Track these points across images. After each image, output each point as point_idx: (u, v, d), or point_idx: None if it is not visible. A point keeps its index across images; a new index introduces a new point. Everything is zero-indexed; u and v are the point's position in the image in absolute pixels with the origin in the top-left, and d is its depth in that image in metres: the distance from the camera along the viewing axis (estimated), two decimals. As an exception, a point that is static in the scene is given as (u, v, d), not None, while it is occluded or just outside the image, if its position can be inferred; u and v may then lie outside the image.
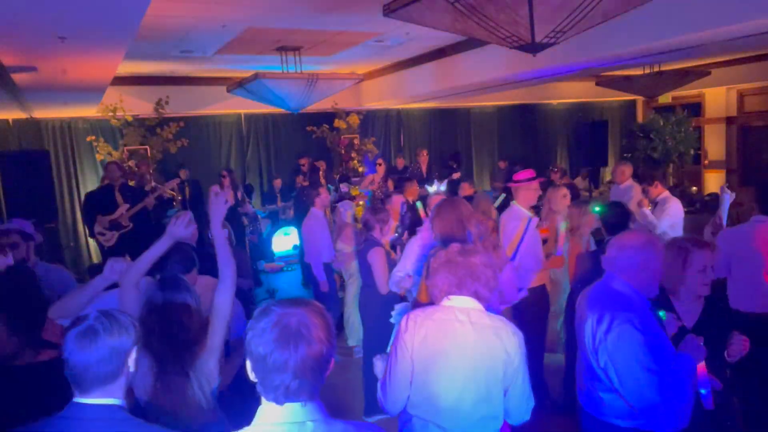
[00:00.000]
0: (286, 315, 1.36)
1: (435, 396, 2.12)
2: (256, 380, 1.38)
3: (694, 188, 10.40)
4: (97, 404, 1.62)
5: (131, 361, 1.68)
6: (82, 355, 1.59)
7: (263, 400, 1.39)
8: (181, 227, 2.47)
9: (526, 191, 4.18)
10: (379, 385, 2.28)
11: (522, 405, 2.18)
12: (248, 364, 1.38)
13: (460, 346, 2.09)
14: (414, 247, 3.77)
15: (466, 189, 6.57)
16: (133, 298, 2.37)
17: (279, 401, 1.36)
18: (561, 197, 5.21)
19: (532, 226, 4.00)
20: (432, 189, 6.20)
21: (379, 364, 2.39)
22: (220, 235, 2.44)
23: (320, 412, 1.40)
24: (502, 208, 5.05)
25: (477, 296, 2.15)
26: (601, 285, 2.38)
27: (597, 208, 4.44)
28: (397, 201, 5.22)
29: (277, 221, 9.67)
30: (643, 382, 2.08)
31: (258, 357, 1.35)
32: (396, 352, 2.18)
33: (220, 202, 2.48)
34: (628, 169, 6.66)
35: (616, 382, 2.16)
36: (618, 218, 3.83)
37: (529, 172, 4.30)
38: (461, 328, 2.10)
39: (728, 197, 4.37)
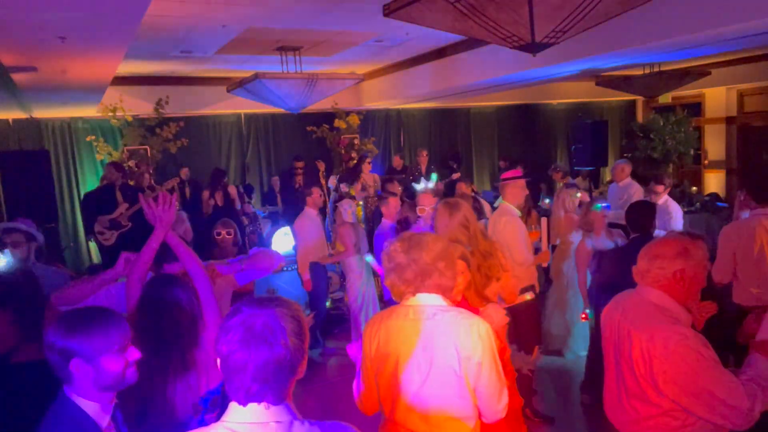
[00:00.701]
0: (252, 315, 1.33)
1: (399, 399, 2.05)
2: (224, 378, 1.38)
3: (694, 188, 10.41)
4: (71, 401, 1.63)
5: (76, 370, 1.62)
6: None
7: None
8: (161, 208, 2.39)
9: (513, 188, 4.25)
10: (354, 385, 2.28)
11: (492, 402, 2.04)
12: (218, 362, 1.37)
13: (412, 348, 2.01)
14: None
15: (463, 188, 6.59)
16: (139, 293, 2.38)
17: (241, 402, 1.35)
18: (575, 199, 5.31)
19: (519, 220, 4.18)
20: (419, 187, 6.20)
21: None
22: (172, 237, 2.45)
23: (287, 413, 1.37)
24: None
25: (439, 290, 2.06)
26: (637, 298, 2.21)
27: (598, 205, 4.49)
28: (393, 203, 5.20)
29: (277, 221, 9.66)
30: (732, 400, 1.94)
31: (222, 356, 1.34)
32: (362, 358, 2.18)
33: (164, 208, 2.42)
34: (627, 167, 6.77)
35: (692, 408, 2.00)
36: (641, 215, 3.85)
37: (515, 171, 4.45)
38: (413, 328, 2.02)
39: None
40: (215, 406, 2.32)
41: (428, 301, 2.06)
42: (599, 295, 4.03)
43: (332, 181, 9.19)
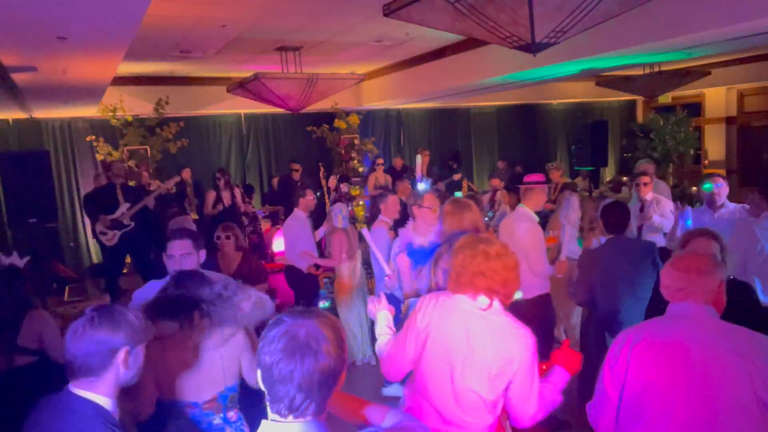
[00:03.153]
0: (295, 325, 1.34)
1: (431, 378, 2.16)
2: (264, 390, 1.37)
3: (694, 188, 10.40)
4: (85, 398, 1.66)
5: (121, 360, 1.68)
6: (73, 347, 1.66)
7: (269, 414, 1.38)
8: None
9: (540, 194, 4.15)
10: (383, 354, 2.32)
11: (522, 408, 2.15)
12: (258, 374, 1.37)
13: (460, 338, 2.11)
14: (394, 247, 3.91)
15: (495, 184, 6.57)
16: None
17: (282, 413, 1.34)
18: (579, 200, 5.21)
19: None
20: (421, 186, 6.09)
21: (371, 308, 2.52)
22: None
23: (321, 430, 1.36)
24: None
25: (497, 297, 2.14)
26: (692, 318, 2.05)
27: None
28: (392, 201, 5.12)
29: (277, 221, 9.67)
30: None
31: (265, 366, 1.33)
32: (406, 327, 2.24)
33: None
34: (650, 167, 6.53)
35: None
36: (616, 216, 3.80)
37: (538, 176, 4.29)
38: (467, 320, 2.12)
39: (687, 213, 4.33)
40: (234, 402, 2.36)
41: (485, 301, 2.15)
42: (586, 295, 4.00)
43: (332, 182, 9.19)
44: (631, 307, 3.43)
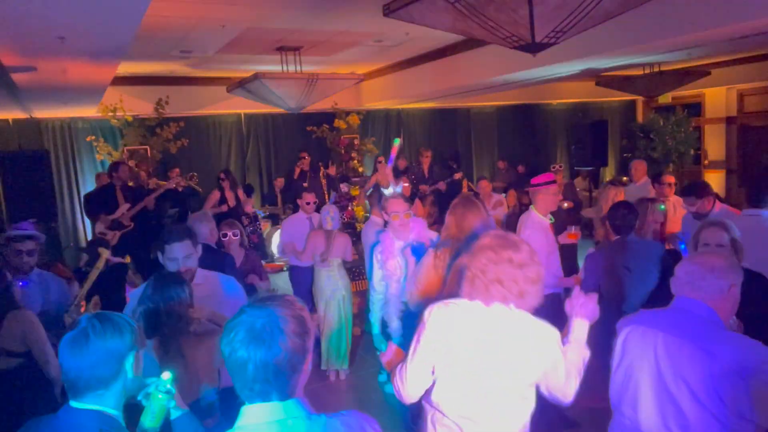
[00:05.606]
0: (252, 316, 1.36)
1: (461, 389, 2.03)
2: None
3: (694, 188, 10.39)
4: (90, 410, 1.56)
5: (129, 366, 1.62)
6: (75, 361, 1.54)
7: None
8: None
9: (545, 195, 3.96)
10: (396, 373, 2.17)
11: (564, 390, 2.11)
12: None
13: (487, 345, 1.98)
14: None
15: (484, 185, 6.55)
16: None
17: (249, 400, 1.37)
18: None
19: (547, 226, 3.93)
20: (388, 191, 5.79)
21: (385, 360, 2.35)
22: None
23: (302, 408, 1.38)
24: None
25: (504, 302, 2.01)
26: (685, 312, 2.04)
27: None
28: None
29: (277, 222, 9.67)
30: None
31: (225, 356, 1.37)
32: (417, 341, 2.05)
33: None
34: (642, 166, 6.58)
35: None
36: (624, 216, 3.73)
37: (548, 176, 4.07)
38: (486, 321, 2.00)
39: None
40: (213, 410, 2.32)
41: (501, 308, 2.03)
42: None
43: (332, 170, 9.16)
44: (634, 308, 3.43)
